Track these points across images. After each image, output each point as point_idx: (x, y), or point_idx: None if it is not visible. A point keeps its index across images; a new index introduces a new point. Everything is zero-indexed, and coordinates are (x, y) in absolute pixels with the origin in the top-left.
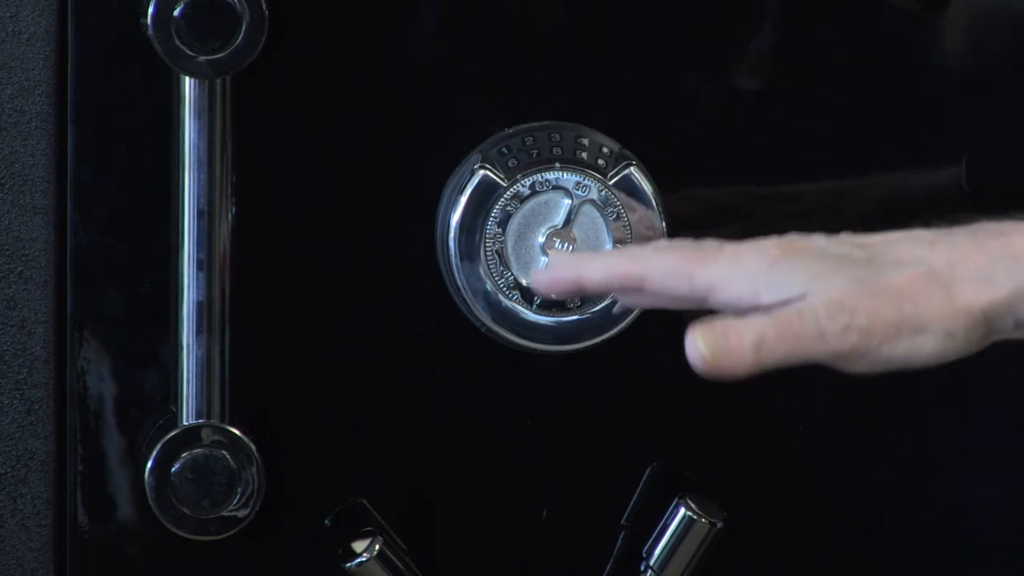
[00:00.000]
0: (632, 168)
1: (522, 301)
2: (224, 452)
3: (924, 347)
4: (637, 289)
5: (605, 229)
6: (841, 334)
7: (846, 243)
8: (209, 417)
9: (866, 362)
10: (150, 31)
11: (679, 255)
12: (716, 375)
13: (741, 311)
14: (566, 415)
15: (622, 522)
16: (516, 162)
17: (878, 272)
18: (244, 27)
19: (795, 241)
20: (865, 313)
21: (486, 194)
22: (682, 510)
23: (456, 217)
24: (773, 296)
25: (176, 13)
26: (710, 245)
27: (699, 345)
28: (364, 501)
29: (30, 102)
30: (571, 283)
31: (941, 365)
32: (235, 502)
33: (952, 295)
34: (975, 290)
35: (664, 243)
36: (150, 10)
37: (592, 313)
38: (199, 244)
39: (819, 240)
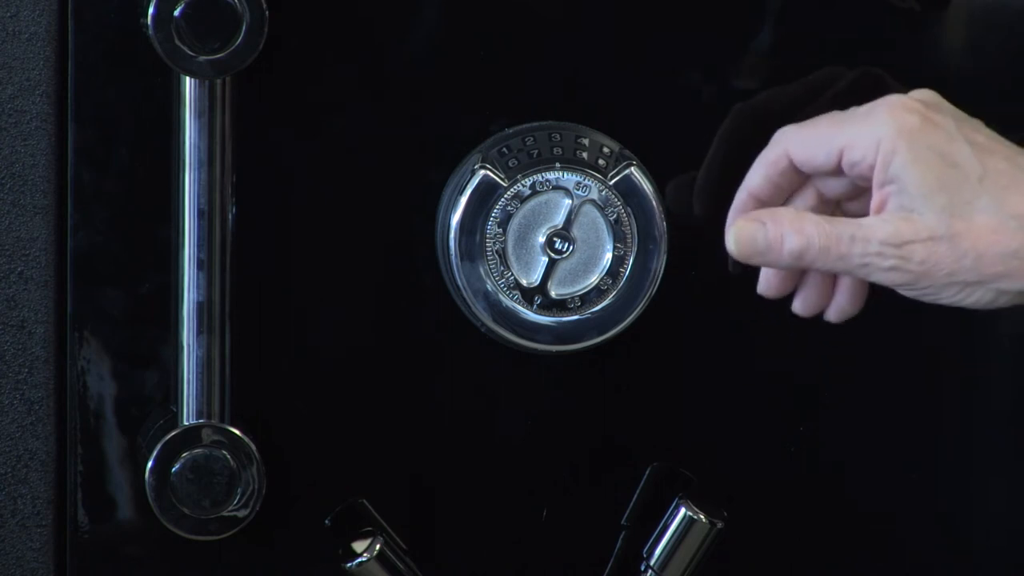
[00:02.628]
0: (632, 168)
1: (522, 301)
2: (224, 452)
3: (970, 296)
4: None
5: (605, 229)
6: (886, 271)
7: (975, 146)
8: (209, 417)
9: (909, 292)
10: (150, 31)
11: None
12: (750, 263)
13: (863, 175)
14: (566, 415)
15: (622, 522)
16: (516, 162)
17: (970, 208)
18: (244, 27)
19: (932, 117)
20: (921, 260)
21: (486, 194)
22: (682, 510)
23: (456, 217)
24: (882, 173)
25: (176, 13)
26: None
27: (730, 242)
28: (364, 501)
29: (30, 102)
30: (747, 202)
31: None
32: (235, 502)
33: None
34: None
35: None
36: (150, 10)
37: (592, 313)
38: (199, 244)
39: (952, 128)
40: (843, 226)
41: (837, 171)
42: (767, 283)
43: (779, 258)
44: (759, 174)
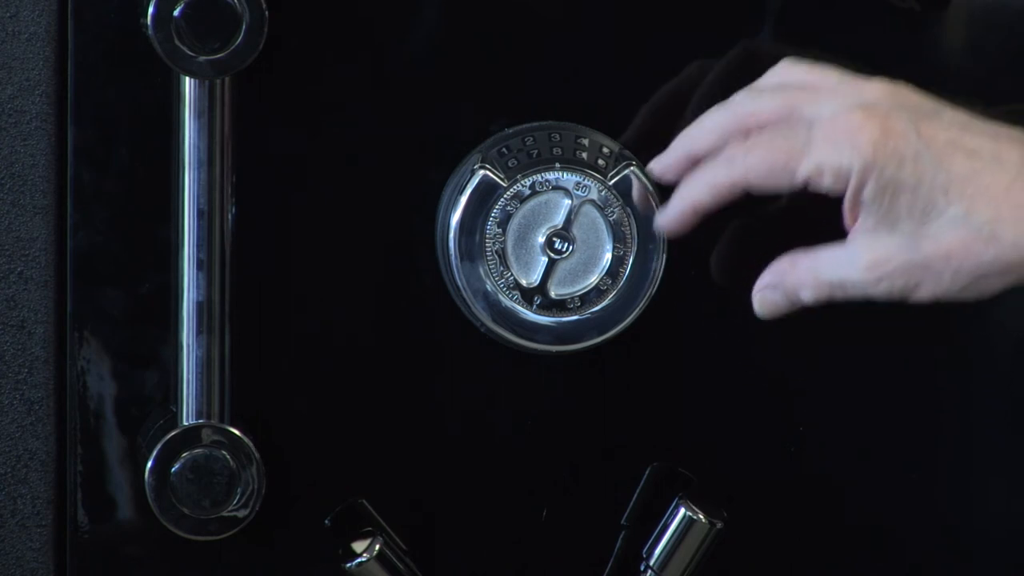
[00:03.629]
0: (632, 168)
1: (522, 301)
2: (224, 452)
3: (951, 290)
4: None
5: (605, 229)
6: (874, 285)
7: (935, 149)
8: (209, 417)
9: (893, 298)
10: (150, 31)
11: (773, 148)
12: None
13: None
14: (566, 415)
15: (622, 522)
16: (516, 162)
17: (939, 226)
18: (244, 27)
19: (893, 127)
20: (902, 288)
21: (486, 194)
22: (682, 510)
23: (456, 217)
24: (852, 194)
25: (176, 13)
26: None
27: (757, 309)
28: (364, 501)
29: (30, 102)
30: (688, 214)
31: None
32: (235, 502)
33: (1001, 253)
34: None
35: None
36: (150, 10)
37: (592, 313)
38: (199, 244)
39: (912, 136)
40: (815, 252)
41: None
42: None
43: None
44: (706, 194)
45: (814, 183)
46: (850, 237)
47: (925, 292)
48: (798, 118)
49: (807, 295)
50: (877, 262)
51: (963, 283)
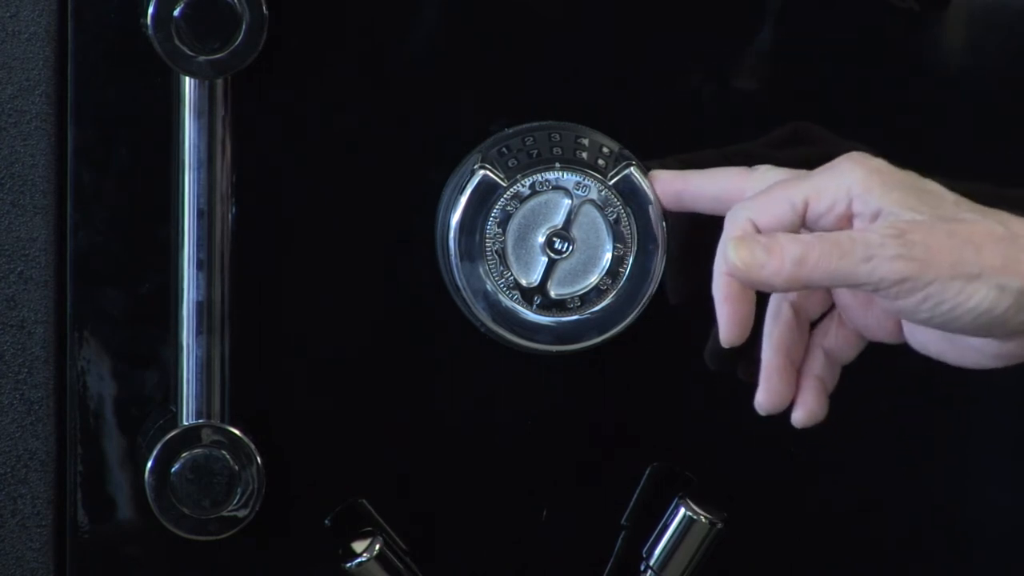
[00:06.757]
0: (632, 168)
1: (522, 301)
2: (224, 452)
3: (974, 295)
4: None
5: (605, 229)
6: (890, 260)
7: (938, 186)
8: (209, 417)
9: (914, 301)
10: (150, 31)
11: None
12: (751, 283)
13: (831, 226)
14: (566, 415)
15: (622, 522)
16: (516, 162)
17: (956, 216)
18: (244, 27)
19: (891, 167)
20: (924, 246)
21: (486, 194)
22: (682, 510)
23: (456, 217)
24: (863, 207)
25: (176, 13)
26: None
27: (731, 255)
28: (364, 501)
29: (30, 102)
30: (675, 193)
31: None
32: (235, 502)
33: (1018, 255)
34: None
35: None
36: (150, 10)
37: (592, 313)
38: (199, 244)
39: (913, 173)
40: (839, 232)
41: (798, 228)
42: (768, 393)
43: (780, 266)
44: None
45: (813, 208)
46: None
47: (944, 265)
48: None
49: (793, 249)
50: (897, 224)
51: (982, 265)
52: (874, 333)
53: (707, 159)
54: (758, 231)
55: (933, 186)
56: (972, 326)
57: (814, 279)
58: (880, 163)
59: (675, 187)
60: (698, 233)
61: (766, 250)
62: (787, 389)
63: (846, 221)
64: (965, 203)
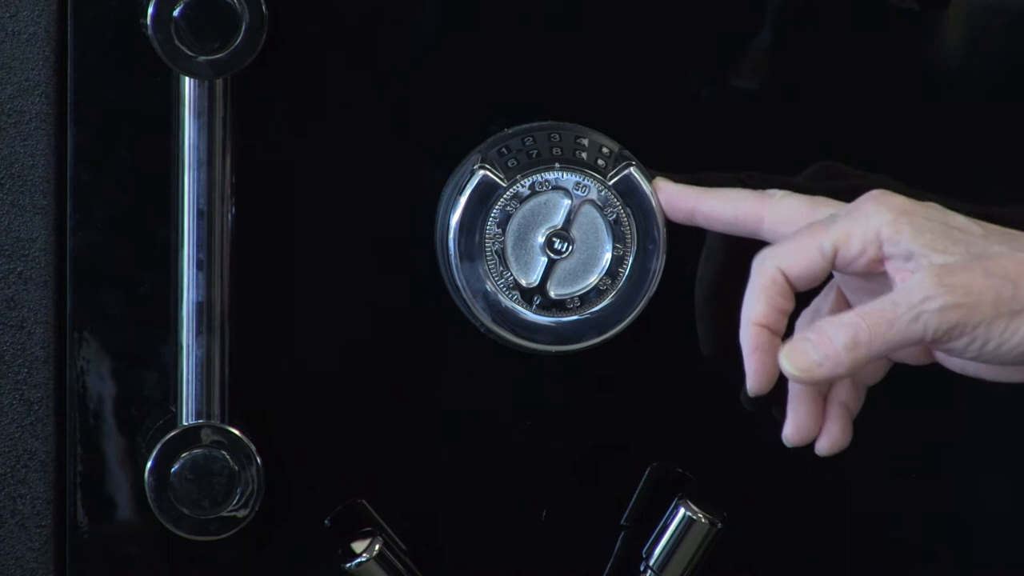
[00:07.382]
0: (632, 168)
1: (522, 301)
2: (224, 452)
3: (1018, 331)
4: (754, 231)
5: (605, 229)
6: (938, 313)
7: (964, 219)
8: (209, 417)
9: (962, 343)
10: (150, 31)
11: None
12: (817, 384)
13: (863, 269)
14: (566, 415)
15: (622, 522)
16: (516, 162)
17: (987, 251)
18: (244, 27)
19: (915, 204)
20: (964, 290)
21: (486, 194)
22: (682, 510)
23: (456, 217)
24: (894, 249)
25: (176, 13)
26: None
27: (786, 366)
28: (364, 501)
29: (30, 102)
30: (687, 211)
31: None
32: (235, 502)
33: None
34: None
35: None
36: (150, 10)
37: (592, 313)
38: (199, 244)
39: (936, 206)
40: (878, 300)
41: (827, 275)
42: (796, 426)
43: (837, 359)
44: (760, 302)
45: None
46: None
47: (987, 305)
48: None
49: (842, 336)
50: (936, 274)
51: (1021, 301)
52: (902, 356)
53: (720, 179)
54: (787, 280)
55: (959, 220)
56: (1018, 358)
57: (873, 354)
58: (904, 202)
59: (687, 204)
60: (697, 233)
61: (817, 348)
62: (814, 421)
63: (878, 264)
64: (993, 233)
